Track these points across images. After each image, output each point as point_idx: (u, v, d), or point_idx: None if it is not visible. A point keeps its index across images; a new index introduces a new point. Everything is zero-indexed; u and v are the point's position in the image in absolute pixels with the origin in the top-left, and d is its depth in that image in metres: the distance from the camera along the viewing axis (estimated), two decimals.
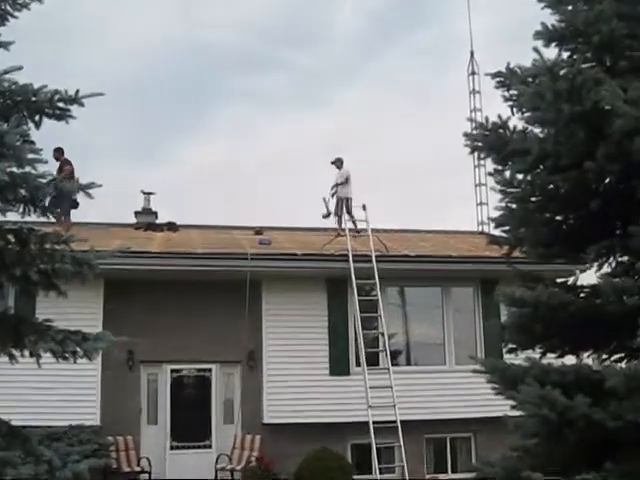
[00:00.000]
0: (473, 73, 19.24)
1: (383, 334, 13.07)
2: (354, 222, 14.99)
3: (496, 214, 7.55)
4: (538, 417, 6.18)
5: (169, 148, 36.84)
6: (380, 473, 12.09)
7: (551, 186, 7.06)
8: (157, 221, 16.88)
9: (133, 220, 16.91)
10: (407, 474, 12.05)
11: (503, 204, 7.38)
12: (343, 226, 14.49)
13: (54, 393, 12.13)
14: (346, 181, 15.11)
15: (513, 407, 6.56)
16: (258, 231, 15.89)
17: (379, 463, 12.13)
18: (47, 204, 6.40)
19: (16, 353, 6.41)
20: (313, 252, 13.80)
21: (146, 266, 12.81)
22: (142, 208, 16.90)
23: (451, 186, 30.86)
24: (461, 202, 31.31)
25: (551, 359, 7.12)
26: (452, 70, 33.81)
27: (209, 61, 34.83)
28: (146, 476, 12.78)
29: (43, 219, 6.88)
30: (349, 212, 15.02)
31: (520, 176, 7.23)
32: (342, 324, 13.61)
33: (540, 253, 7.55)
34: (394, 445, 12.41)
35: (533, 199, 7.24)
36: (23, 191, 6.18)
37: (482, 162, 17.17)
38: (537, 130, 7.14)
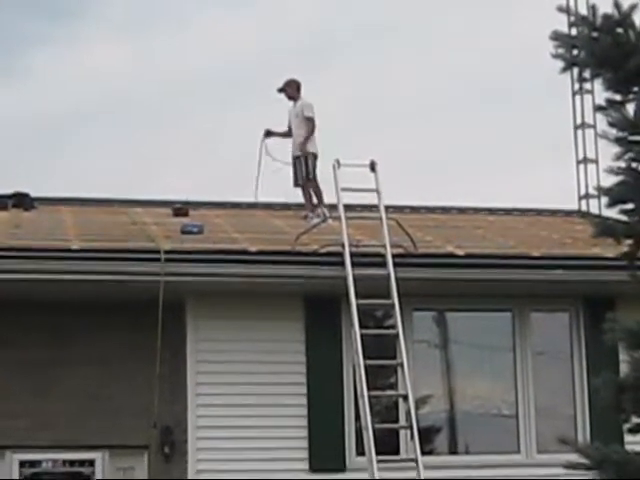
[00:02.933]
0: None
1: (406, 397, 12.99)
2: (319, 196, 16.47)
3: (611, 181, 8.06)
4: None
5: None
6: None
7: None
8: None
9: None
10: None
11: (623, 163, 7.86)
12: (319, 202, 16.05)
13: None
14: (307, 129, 16.61)
15: None
16: (179, 210, 16.49)
17: None
18: None
19: None
20: (278, 248, 13.93)
21: None
22: None
23: (526, 128, 30.99)
24: (546, 158, 31.77)
25: None
26: None
27: None
28: None
29: None
30: (311, 178, 16.41)
31: None
32: (332, 379, 13.75)
33: None
34: None
35: None
36: None
37: (586, 87, 17.72)
38: None
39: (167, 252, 13.18)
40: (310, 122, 16.79)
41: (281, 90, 17.05)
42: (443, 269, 13.77)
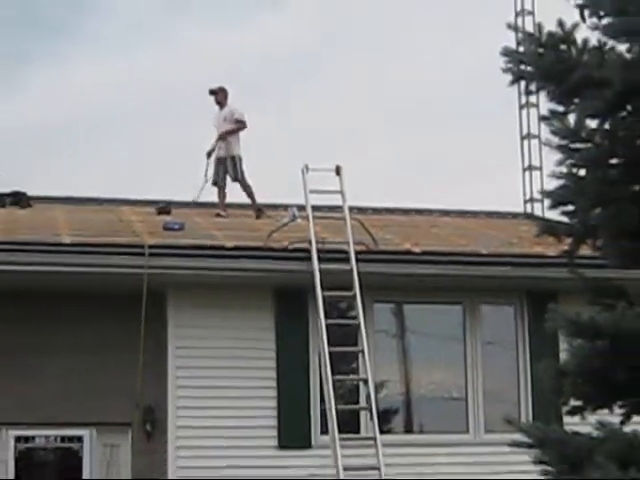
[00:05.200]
0: None
1: (367, 382, 13.26)
2: (251, 194, 16.89)
3: (553, 185, 7.97)
4: None
5: None
6: None
7: None
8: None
9: None
10: None
11: (565, 169, 7.78)
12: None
13: None
14: (237, 127, 16.90)
15: None
16: (163, 209, 16.58)
17: None
18: None
19: None
20: (251, 244, 14.14)
21: None
22: None
23: (482, 140, 31.49)
24: (498, 166, 32.04)
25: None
26: None
27: None
28: None
29: None
30: (240, 179, 16.72)
31: (594, 123, 7.63)
32: (300, 364, 13.93)
33: (626, 249, 7.99)
34: None
35: (615, 161, 7.75)
36: None
37: (532, 100, 18.07)
38: (622, 47, 7.50)
39: (151, 247, 13.40)
40: (241, 124, 17.02)
41: (213, 93, 17.15)
42: (401, 265, 13.89)
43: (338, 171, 14.71)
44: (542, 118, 8.27)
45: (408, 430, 14.40)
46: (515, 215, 18.52)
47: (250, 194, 17.07)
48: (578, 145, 7.54)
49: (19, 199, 17.13)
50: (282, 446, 13.65)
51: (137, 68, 36.01)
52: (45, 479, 14.56)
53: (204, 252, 13.80)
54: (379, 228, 15.00)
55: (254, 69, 35.24)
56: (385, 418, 14.01)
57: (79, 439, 13.91)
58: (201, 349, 13.88)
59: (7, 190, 17.45)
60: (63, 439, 14.05)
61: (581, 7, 7.42)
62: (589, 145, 7.56)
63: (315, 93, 37.04)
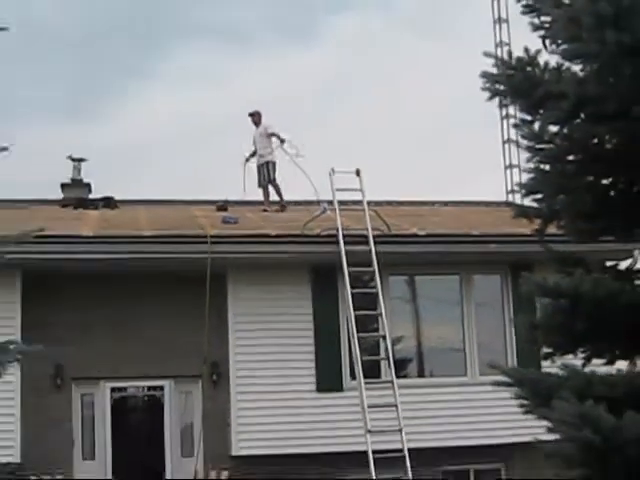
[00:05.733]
0: None
1: (385, 337, 13.55)
2: (279, 193, 16.77)
3: (526, 178, 7.79)
4: (578, 441, 6.31)
5: (110, 104, 39.72)
6: None
7: (594, 140, 7.28)
8: (90, 196, 17.79)
9: (60, 195, 17.95)
10: None
11: (533, 165, 7.61)
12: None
13: None
14: (269, 140, 16.68)
15: (549, 429, 6.76)
16: (222, 206, 16.68)
17: None
18: None
19: None
20: (291, 232, 14.42)
21: (77, 254, 13.49)
22: (71, 179, 17.88)
23: (474, 145, 32.19)
24: (487, 166, 32.14)
25: (598, 366, 7.35)
26: None
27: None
28: None
29: None
30: (272, 181, 16.67)
31: (555, 128, 7.43)
32: (332, 325, 14.19)
33: (581, 228, 7.80)
34: None
35: (571, 157, 7.48)
36: None
37: (511, 113, 17.91)
38: (576, 68, 7.31)
39: (212, 237, 13.70)
40: (275, 136, 16.80)
41: (251, 115, 17.01)
42: (409, 245, 14.18)
43: (358, 173, 14.85)
44: (515, 125, 8.10)
45: (419, 375, 14.61)
46: (499, 204, 18.35)
47: (279, 193, 17.06)
48: (542, 146, 7.36)
49: (108, 202, 17.29)
50: (319, 389, 13.98)
51: (194, 101, 36.49)
52: (134, 421, 14.81)
53: (254, 240, 14.10)
54: (391, 217, 15.03)
55: (296, 92, 35.71)
56: (400, 366, 14.20)
57: (161, 388, 14.31)
58: (254, 316, 14.12)
59: (99, 196, 17.68)
60: (149, 389, 14.45)
61: (543, 37, 7.31)
62: (551, 146, 7.39)
63: (340, 115, 37.37)
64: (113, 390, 14.21)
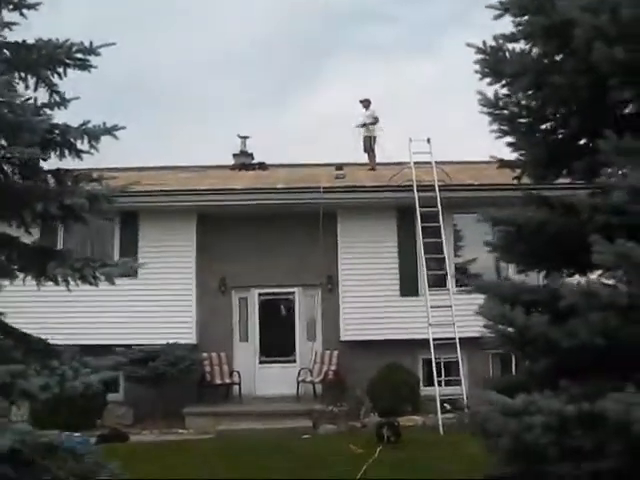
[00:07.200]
0: None
1: (444, 259, 15.71)
2: (373, 159, 18.73)
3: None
4: (499, 333, 7.03)
5: (294, 99, 46.83)
6: (444, 385, 14.82)
7: (533, 103, 7.71)
8: (252, 162, 21.34)
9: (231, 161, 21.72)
10: (465, 387, 14.31)
11: (496, 127, 7.89)
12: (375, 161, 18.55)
13: (154, 316, 15.81)
14: (374, 121, 18.79)
15: (484, 325, 7.36)
16: (339, 167, 19.01)
17: (446, 376, 15.08)
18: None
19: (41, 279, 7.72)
20: (380, 184, 16.87)
21: (233, 202, 16.56)
22: (240, 151, 21.25)
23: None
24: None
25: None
26: None
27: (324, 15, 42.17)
28: (237, 387, 16.72)
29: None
30: (372, 150, 18.83)
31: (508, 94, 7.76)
32: (411, 249, 16.42)
33: (540, 174, 8.17)
34: (457, 360, 14.78)
35: (525, 120, 7.86)
36: (57, 136, 7.53)
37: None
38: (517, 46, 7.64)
39: (325, 188, 16.37)
40: (376, 119, 18.75)
41: (361, 102, 19.01)
42: (466, 192, 16.27)
43: (429, 140, 17.05)
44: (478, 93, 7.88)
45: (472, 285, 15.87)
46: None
47: (373, 159, 18.89)
48: (497, 111, 7.68)
49: (261, 165, 20.63)
50: (402, 294, 16.39)
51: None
52: (274, 316, 16.93)
53: (356, 189, 16.55)
54: (453, 171, 16.89)
55: None
56: (459, 279, 16.21)
57: (293, 293, 16.93)
58: (356, 243, 16.46)
59: (255, 161, 21.10)
60: (284, 293, 16.94)
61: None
62: (505, 111, 7.67)
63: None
64: (260, 295, 16.70)
